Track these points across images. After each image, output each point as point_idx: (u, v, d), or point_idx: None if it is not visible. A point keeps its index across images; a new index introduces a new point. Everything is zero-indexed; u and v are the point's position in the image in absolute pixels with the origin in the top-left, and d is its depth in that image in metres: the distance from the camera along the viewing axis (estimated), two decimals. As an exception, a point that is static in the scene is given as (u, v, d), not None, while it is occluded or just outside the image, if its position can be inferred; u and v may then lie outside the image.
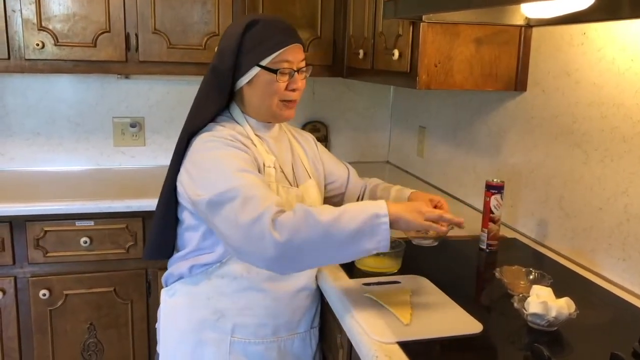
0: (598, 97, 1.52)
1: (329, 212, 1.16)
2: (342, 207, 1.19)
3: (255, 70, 1.36)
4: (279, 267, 1.20)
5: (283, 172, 1.45)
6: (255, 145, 1.40)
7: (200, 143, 1.34)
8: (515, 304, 1.22)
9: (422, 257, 1.56)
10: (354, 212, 1.16)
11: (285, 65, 1.36)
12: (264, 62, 1.35)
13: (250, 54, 1.35)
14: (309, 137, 1.66)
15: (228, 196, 1.21)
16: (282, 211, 1.19)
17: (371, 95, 2.98)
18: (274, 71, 1.35)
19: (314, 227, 1.14)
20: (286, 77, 1.37)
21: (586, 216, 1.58)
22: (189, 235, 1.41)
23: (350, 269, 1.49)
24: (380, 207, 1.16)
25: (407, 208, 1.20)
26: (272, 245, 1.15)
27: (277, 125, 1.50)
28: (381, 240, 1.15)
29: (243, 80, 1.38)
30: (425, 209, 1.21)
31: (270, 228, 1.15)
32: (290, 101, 1.40)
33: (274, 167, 1.40)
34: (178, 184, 1.37)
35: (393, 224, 1.16)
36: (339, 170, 1.67)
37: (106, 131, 2.66)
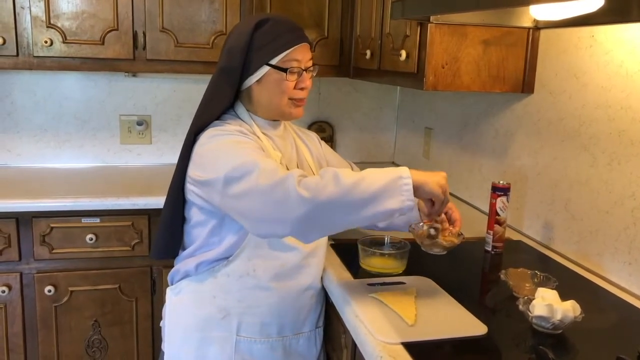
0: (605, 99, 1.51)
1: (353, 174, 1.18)
2: (366, 170, 1.20)
3: (265, 69, 1.36)
4: (304, 228, 1.18)
5: (289, 169, 1.45)
6: (261, 141, 1.41)
7: (206, 138, 1.35)
8: (521, 306, 1.22)
9: (427, 258, 1.55)
10: (378, 174, 1.17)
11: (295, 64, 1.37)
12: (273, 61, 1.36)
13: (260, 53, 1.35)
14: (313, 136, 1.67)
15: (245, 169, 1.21)
16: (306, 176, 1.19)
17: (377, 96, 2.98)
18: (284, 70, 1.36)
19: (338, 185, 1.14)
20: (295, 76, 1.38)
21: (593, 219, 1.57)
22: (197, 232, 1.42)
23: (355, 269, 1.49)
24: (403, 171, 1.18)
25: (429, 175, 1.20)
26: (298, 203, 1.14)
27: (282, 124, 1.51)
28: (404, 200, 1.15)
29: (252, 79, 1.38)
30: (446, 186, 1.22)
31: (297, 186, 1.15)
32: (299, 100, 1.41)
33: (280, 164, 1.40)
34: (187, 178, 1.37)
35: (416, 189, 1.17)
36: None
37: (113, 129, 2.67)
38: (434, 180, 1.20)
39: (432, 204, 1.24)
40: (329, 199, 1.14)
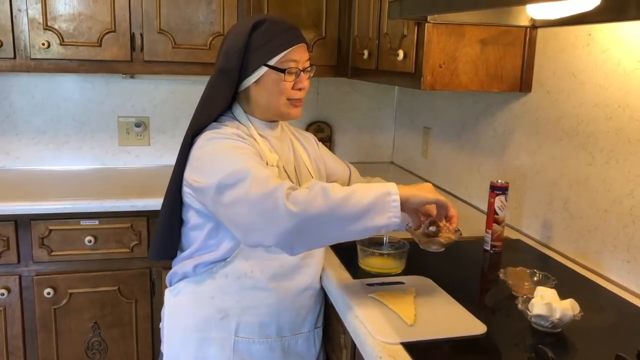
0: (603, 98, 1.52)
1: (341, 189, 1.18)
2: (354, 185, 1.21)
3: (263, 69, 1.36)
4: (291, 241, 1.18)
5: (286, 171, 1.45)
6: (258, 143, 1.41)
7: (204, 140, 1.35)
8: (520, 305, 1.22)
9: (426, 258, 1.55)
10: (367, 190, 1.18)
11: (292, 64, 1.37)
12: (271, 62, 1.36)
13: (257, 53, 1.35)
14: (310, 137, 1.67)
15: (238, 177, 1.21)
16: (295, 188, 1.20)
17: (376, 96, 2.98)
18: (282, 70, 1.36)
19: (327, 200, 1.15)
20: (293, 77, 1.38)
21: (591, 218, 1.57)
22: (194, 235, 1.41)
23: (354, 270, 1.49)
24: (391, 186, 1.19)
25: (416, 187, 1.23)
26: (286, 216, 1.14)
27: (279, 125, 1.51)
28: (392, 216, 1.16)
29: (250, 80, 1.38)
30: (436, 193, 1.24)
31: (285, 199, 1.15)
32: (297, 100, 1.41)
33: (277, 166, 1.40)
34: (184, 181, 1.37)
35: (404, 203, 1.18)
36: (340, 170, 1.68)
37: (111, 130, 2.67)
38: (422, 189, 1.22)
39: (423, 216, 1.27)
40: (317, 213, 1.14)
